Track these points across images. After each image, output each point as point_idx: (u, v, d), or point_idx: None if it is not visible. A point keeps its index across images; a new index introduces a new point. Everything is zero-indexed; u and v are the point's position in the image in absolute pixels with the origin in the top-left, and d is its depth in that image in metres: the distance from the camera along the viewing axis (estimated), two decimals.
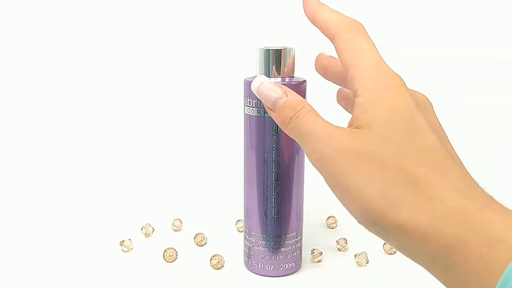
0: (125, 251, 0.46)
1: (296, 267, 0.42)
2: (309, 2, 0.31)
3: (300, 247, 0.42)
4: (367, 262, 0.43)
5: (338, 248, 0.46)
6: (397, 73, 0.28)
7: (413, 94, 0.27)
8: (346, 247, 0.46)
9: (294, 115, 0.29)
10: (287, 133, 0.30)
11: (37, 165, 0.72)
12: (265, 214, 0.40)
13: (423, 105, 0.28)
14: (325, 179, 0.28)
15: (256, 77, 0.32)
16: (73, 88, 0.79)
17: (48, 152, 0.74)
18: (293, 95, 0.31)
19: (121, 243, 0.46)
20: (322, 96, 0.43)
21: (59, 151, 0.75)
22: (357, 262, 0.43)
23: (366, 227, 0.26)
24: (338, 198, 0.27)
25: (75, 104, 0.79)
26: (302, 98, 0.30)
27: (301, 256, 0.43)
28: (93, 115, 0.79)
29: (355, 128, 0.27)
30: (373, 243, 0.48)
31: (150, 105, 0.79)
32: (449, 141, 0.28)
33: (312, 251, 0.44)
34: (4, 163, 0.72)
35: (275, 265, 0.40)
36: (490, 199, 0.24)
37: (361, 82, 0.27)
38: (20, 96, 0.79)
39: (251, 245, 0.41)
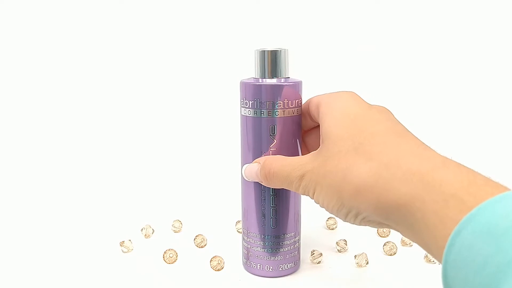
0: (125, 252, 0.46)
1: (294, 267, 0.42)
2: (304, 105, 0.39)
3: (299, 248, 0.42)
4: (367, 263, 0.43)
5: (338, 249, 0.46)
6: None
7: (370, 105, 0.33)
8: (346, 248, 0.46)
9: (268, 173, 0.36)
10: (275, 187, 0.37)
11: (38, 166, 0.72)
12: (263, 215, 0.39)
13: (382, 110, 0.33)
14: (314, 199, 0.33)
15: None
16: (72, 90, 0.80)
17: (49, 154, 0.75)
18: (262, 160, 0.37)
19: (121, 244, 0.46)
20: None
21: (59, 152, 0.75)
22: (357, 263, 0.43)
23: (344, 214, 0.30)
24: (322, 206, 0.32)
25: (75, 106, 0.80)
26: (266, 156, 0.37)
27: (299, 256, 0.42)
28: (94, 118, 0.80)
29: (321, 143, 0.33)
30: (372, 244, 0.48)
31: (148, 107, 0.80)
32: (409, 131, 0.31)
33: (312, 252, 0.44)
34: (5, 164, 0.73)
35: (273, 266, 0.40)
36: (446, 159, 0.27)
37: (320, 103, 0.35)
38: (20, 97, 0.80)
39: (249, 246, 0.41)
